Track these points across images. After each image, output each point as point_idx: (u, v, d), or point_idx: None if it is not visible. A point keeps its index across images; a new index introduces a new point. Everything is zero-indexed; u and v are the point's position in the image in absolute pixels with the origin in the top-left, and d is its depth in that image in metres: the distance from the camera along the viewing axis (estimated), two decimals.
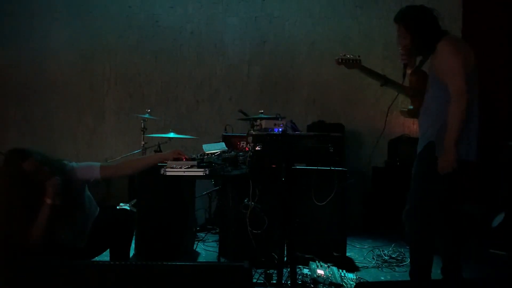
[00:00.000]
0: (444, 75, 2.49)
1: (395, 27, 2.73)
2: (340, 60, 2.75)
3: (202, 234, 4.30)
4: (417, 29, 2.59)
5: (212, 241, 4.12)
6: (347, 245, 3.72)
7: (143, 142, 4.63)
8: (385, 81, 2.84)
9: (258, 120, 2.75)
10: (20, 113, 5.49)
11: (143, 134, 4.63)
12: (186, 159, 2.54)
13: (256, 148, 2.47)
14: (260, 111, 3.99)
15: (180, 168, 2.46)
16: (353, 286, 2.91)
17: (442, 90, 2.50)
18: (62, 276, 1.50)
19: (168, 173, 2.46)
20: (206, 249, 3.95)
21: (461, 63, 2.45)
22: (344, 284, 2.93)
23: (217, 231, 4.22)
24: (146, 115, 4.57)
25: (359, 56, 2.78)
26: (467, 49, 2.57)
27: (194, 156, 2.82)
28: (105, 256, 2.77)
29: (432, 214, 2.62)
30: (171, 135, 4.44)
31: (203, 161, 2.64)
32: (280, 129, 2.60)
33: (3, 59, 5.49)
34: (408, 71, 2.76)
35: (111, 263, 2.20)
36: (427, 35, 2.58)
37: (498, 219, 3.97)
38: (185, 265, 1.43)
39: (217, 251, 3.60)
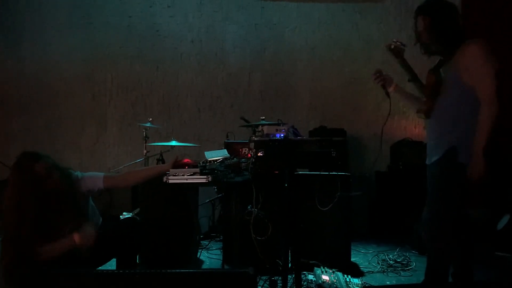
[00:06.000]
0: (472, 79, 2.40)
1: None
2: (392, 47, 2.60)
3: (206, 242, 4.29)
4: (443, 23, 2.47)
5: (216, 249, 4.11)
6: (352, 250, 3.69)
7: (145, 151, 4.64)
8: (414, 78, 2.70)
9: (260, 126, 2.75)
10: (23, 124, 5.51)
11: (145, 143, 4.64)
12: (189, 165, 2.54)
13: (258, 154, 2.47)
14: (261, 118, 4.00)
15: (183, 175, 2.45)
16: None
17: (467, 94, 2.42)
18: (67, 285, 1.49)
19: (170, 181, 2.46)
20: (210, 257, 3.93)
21: (492, 69, 2.39)
22: None
23: (221, 238, 4.20)
24: (148, 124, 4.58)
25: (404, 46, 2.63)
26: (493, 56, 2.46)
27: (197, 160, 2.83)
28: (109, 265, 2.77)
29: (454, 221, 2.55)
30: (173, 143, 4.45)
31: (205, 168, 2.64)
32: (282, 135, 2.60)
33: (5, 70, 5.53)
34: (390, 89, 2.70)
35: (112, 271, 2.19)
36: (451, 32, 2.47)
37: (503, 221, 3.95)
38: (190, 272, 1.43)
39: (221, 259, 3.60)
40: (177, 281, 1.38)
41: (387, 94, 2.73)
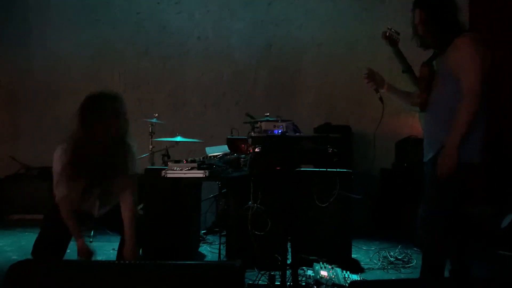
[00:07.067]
0: (460, 73, 2.38)
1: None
2: (387, 34, 2.64)
3: (209, 237, 4.33)
4: (439, 17, 2.45)
5: (218, 243, 4.14)
6: (354, 247, 3.71)
7: (151, 146, 4.69)
8: (408, 69, 2.72)
9: (259, 123, 2.77)
10: (32, 120, 5.60)
11: (151, 138, 4.69)
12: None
13: (256, 150, 2.49)
14: (266, 114, 4.01)
15: (181, 170, 2.49)
16: None
17: (459, 89, 2.40)
18: (65, 275, 1.53)
19: (169, 175, 2.50)
20: (213, 251, 3.98)
21: (479, 64, 2.35)
22: (347, 285, 2.92)
23: (224, 233, 4.24)
24: (154, 120, 4.63)
25: (399, 34, 2.67)
26: (486, 51, 2.44)
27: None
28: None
29: (449, 219, 2.54)
30: (178, 139, 4.49)
31: (204, 163, 2.67)
32: (280, 131, 2.61)
33: (15, 67, 5.62)
34: (382, 90, 2.74)
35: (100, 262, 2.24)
36: (447, 26, 2.45)
37: (507, 220, 3.92)
38: (174, 264, 1.46)
39: (223, 253, 3.64)
40: (163, 273, 1.41)
41: (381, 99, 2.75)
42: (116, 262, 1.45)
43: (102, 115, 2.50)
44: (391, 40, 2.66)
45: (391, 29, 2.64)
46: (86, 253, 2.53)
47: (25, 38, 5.59)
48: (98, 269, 1.47)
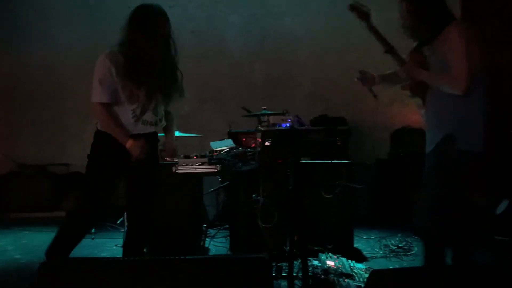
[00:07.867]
0: (449, 58, 2.39)
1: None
2: (354, 6, 2.66)
3: (210, 231, 4.35)
4: (423, 7, 2.47)
5: (221, 237, 4.17)
6: (354, 236, 3.76)
7: None
8: (390, 49, 2.69)
9: (266, 116, 2.80)
10: (31, 116, 5.54)
11: None
12: None
13: (265, 144, 2.52)
14: (263, 107, 4.04)
15: (192, 165, 2.51)
16: (363, 275, 2.95)
17: None
18: (94, 272, 1.55)
19: (179, 171, 2.51)
20: (216, 245, 4.00)
21: (467, 48, 2.35)
22: (354, 274, 2.97)
23: (226, 227, 4.27)
24: None
25: (370, 10, 2.68)
26: (476, 37, 2.43)
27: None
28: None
29: (449, 208, 2.55)
30: (176, 133, 4.47)
31: (213, 158, 2.69)
32: (288, 124, 2.65)
33: (13, 64, 5.55)
34: (376, 84, 2.78)
35: (126, 259, 2.25)
36: (434, 16, 2.46)
37: (502, 206, 4.02)
38: (205, 258, 1.49)
39: (227, 247, 3.67)
40: (192, 267, 1.44)
41: (375, 96, 2.80)
42: (146, 258, 1.45)
43: (163, 25, 2.50)
44: (361, 12, 2.66)
45: (357, 2, 2.66)
46: (136, 148, 2.45)
47: (22, 34, 5.51)
48: (129, 265, 1.49)
